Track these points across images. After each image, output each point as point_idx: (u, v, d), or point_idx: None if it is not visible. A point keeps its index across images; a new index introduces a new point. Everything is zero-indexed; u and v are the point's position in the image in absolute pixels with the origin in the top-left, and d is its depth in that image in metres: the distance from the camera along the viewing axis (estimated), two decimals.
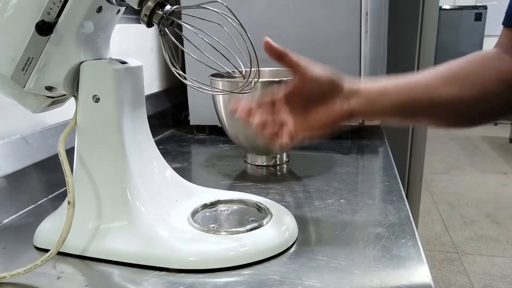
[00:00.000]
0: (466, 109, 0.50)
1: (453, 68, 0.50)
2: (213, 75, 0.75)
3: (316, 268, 0.46)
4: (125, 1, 0.48)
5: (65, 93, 0.51)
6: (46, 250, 0.51)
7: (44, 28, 0.46)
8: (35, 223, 0.55)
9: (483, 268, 1.96)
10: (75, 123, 0.51)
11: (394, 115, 0.51)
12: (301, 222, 0.56)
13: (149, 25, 0.48)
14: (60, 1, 0.46)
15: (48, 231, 0.53)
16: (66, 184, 0.47)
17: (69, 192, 0.47)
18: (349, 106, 0.49)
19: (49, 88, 0.51)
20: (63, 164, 0.48)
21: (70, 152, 0.50)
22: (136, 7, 0.47)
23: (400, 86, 0.50)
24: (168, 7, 0.47)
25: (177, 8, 0.47)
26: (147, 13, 0.46)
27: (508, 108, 0.50)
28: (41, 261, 0.46)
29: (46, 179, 0.68)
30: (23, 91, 0.50)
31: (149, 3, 0.46)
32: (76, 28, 0.48)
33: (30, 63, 0.49)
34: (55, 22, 0.47)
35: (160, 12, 0.46)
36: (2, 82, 0.50)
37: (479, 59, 0.51)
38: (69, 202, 0.47)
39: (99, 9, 0.48)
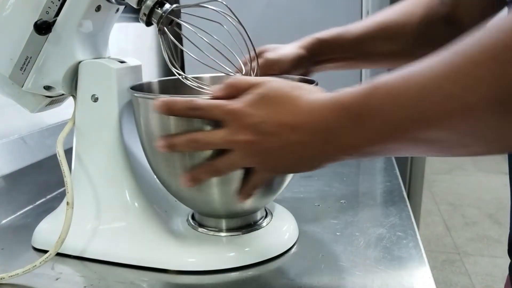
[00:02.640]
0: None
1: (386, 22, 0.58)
2: None
3: (317, 269, 0.46)
4: (124, 0, 0.47)
5: (63, 92, 0.51)
6: (45, 251, 0.51)
7: (43, 27, 0.46)
8: (33, 224, 0.54)
9: (485, 269, 1.96)
10: (74, 123, 0.51)
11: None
12: (302, 223, 0.56)
13: (148, 24, 0.47)
14: (59, 0, 0.46)
15: (46, 232, 0.52)
16: (65, 184, 0.47)
17: (67, 192, 0.47)
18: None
19: (48, 88, 0.50)
20: (61, 164, 0.47)
21: (68, 152, 0.50)
22: (135, 6, 0.47)
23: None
24: (167, 6, 0.46)
25: (177, 7, 0.47)
26: (146, 12, 0.46)
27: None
28: (40, 262, 0.46)
29: (45, 180, 0.68)
30: (22, 90, 0.50)
31: (148, 2, 0.46)
32: (75, 27, 0.47)
33: (29, 62, 0.48)
34: (54, 21, 0.47)
35: (159, 11, 0.46)
36: (2, 82, 0.49)
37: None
38: (68, 203, 0.47)
39: (98, 8, 0.48)
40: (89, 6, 0.47)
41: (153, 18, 0.46)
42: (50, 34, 0.47)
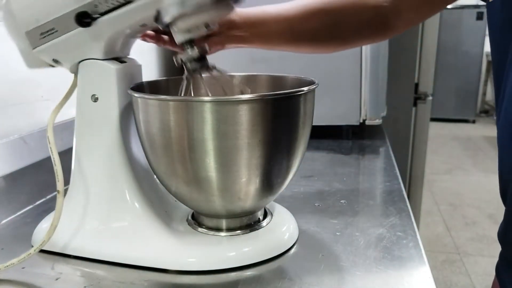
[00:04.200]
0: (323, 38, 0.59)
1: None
2: None
3: (317, 269, 0.46)
4: (170, 30, 0.46)
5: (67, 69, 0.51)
6: (45, 251, 0.51)
7: (84, 21, 0.44)
8: (33, 224, 0.54)
9: (485, 269, 1.96)
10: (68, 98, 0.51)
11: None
12: (302, 223, 0.56)
13: (179, 65, 0.48)
14: (113, 4, 0.44)
15: (46, 231, 0.52)
16: (55, 173, 0.47)
17: (58, 181, 0.47)
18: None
19: (55, 61, 0.50)
20: (52, 152, 0.47)
21: (68, 152, 0.50)
22: (177, 43, 0.46)
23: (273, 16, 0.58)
24: (205, 61, 0.47)
25: (214, 67, 0.48)
26: (184, 59, 0.46)
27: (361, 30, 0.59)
28: (34, 250, 0.46)
29: (45, 180, 0.68)
30: (31, 50, 0.49)
31: (191, 52, 0.46)
32: (113, 32, 0.47)
33: (52, 34, 0.47)
34: (96, 18, 0.45)
35: (195, 64, 0.46)
36: (16, 31, 0.48)
37: None
38: (58, 191, 0.47)
39: (143, 25, 0.47)
40: (137, 21, 0.46)
41: (187, 65, 0.47)
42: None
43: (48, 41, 0.47)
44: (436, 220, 2.47)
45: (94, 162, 0.51)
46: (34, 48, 0.48)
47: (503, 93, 0.45)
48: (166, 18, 0.43)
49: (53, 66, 0.52)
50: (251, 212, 0.51)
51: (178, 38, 0.46)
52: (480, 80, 4.71)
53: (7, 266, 0.46)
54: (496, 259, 0.52)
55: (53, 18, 0.46)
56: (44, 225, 0.53)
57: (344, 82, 0.93)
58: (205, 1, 0.42)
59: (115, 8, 0.44)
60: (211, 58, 0.49)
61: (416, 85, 1.55)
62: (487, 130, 4.46)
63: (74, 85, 0.51)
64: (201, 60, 0.47)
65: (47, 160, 0.67)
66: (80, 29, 0.46)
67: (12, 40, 0.50)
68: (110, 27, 0.46)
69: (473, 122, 4.75)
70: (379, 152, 0.91)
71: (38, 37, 0.47)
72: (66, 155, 0.48)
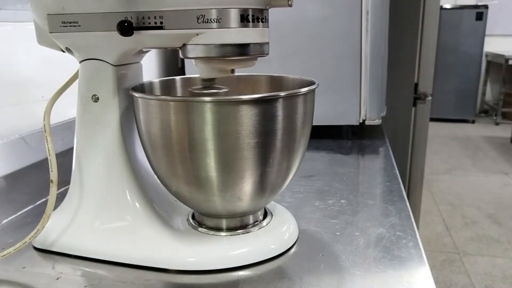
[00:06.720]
0: None
1: None
2: None
3: (317, 269, 0.46)
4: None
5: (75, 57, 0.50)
6: (45, 251, 0.51)
7: (127, 31, 0.42)
8: (33, 224, 0.54)
9: (484, 268, 1.96)
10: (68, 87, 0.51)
11: None
12: (302, 222, 0.56)
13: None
14: (149, 23, 0.43)
15: (47, 231, 0.52)
16: (49, 163, 0.47)
17: (51, 171, 0.47)
18: None
19: (68, 49, 0.49)
20: (47, 141, 0.47)
21: (69, 152, 0.50)
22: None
23: None
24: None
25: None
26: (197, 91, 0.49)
27: None
28: (29, 238, 0.47)
29: (45, 180, 0.67)
30: (48, 32, 0.48)
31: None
32: (136, 46, 0.46)
33: (74, 26, 0.45)
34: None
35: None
36: (39, 9, 0.47)
37: None
38: (52, 181, 0.47)
39: (166, 48, 0.47)
40: (162, 45, 0.46)
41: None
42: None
43: (67, 32, 0.46)
44: (436, 220, 2.48)
45: (94, 162, 0.51)
46: (51, 32, 0.47)
47: None
48: (190, 55, 0.44)
49: (63, 51, 0.51)
50: (251, 212, 0.51)
51: (202, 74, 0.48)
52: (479, 80, 4.71)
53: (3, 255, 0.46)
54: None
55: (80, 13, 0.45)
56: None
57: (344, 82, 0.94)
58: (229, 53, 0.43)
59: (148, 28, 0.43)
60: None
61: (416, 85, 1.55)
62: (487, 130, 4.46)
63: (76, 76, 0.51)
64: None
65: (48, 160, 0.68)
66: (103, 33, 0.45)
67: (32, 13, 0.48)
68: (136, 42, 0.45)
69: (473, 122, 4.75)
70: (378, 152, 0.91)
71: (59, 24, 0.46)
72: (66, 155, 0.48)
